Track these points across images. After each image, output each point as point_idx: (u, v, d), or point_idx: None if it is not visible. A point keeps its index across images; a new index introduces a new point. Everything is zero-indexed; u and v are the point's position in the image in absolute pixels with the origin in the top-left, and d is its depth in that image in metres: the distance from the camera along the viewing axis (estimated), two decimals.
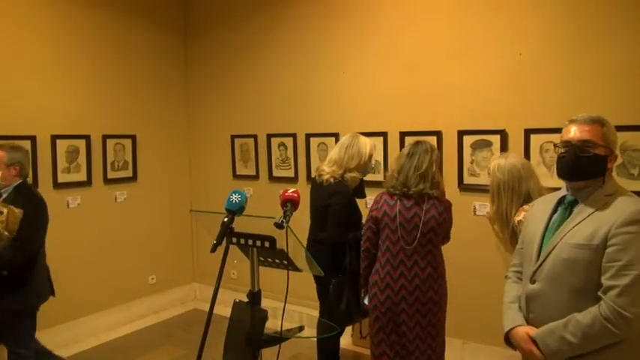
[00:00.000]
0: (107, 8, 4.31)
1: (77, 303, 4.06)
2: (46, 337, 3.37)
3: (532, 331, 1.69)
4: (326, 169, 2.98)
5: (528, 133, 3.23)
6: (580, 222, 1.63)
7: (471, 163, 3.48)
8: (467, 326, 3.43)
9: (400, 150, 3.70)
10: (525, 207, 2.29)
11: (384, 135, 3.80)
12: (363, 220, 2.94)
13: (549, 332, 1.63)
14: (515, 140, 3.29)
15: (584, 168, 1.66)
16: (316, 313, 3.63)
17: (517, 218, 2.31)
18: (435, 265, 2.56)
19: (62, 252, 3.96)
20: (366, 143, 2.98)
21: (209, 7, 4.85)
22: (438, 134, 3.57)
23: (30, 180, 3.38)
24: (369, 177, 3.28)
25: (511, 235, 2.37)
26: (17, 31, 3.74)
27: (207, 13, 4.87)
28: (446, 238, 2.70)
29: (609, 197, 1.62)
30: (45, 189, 3.87)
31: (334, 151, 3.04)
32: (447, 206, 2.62)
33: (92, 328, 4.17)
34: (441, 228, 2.56)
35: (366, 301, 2.71)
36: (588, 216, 1.62)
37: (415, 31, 3.66)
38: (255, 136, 4.61)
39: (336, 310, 2.89)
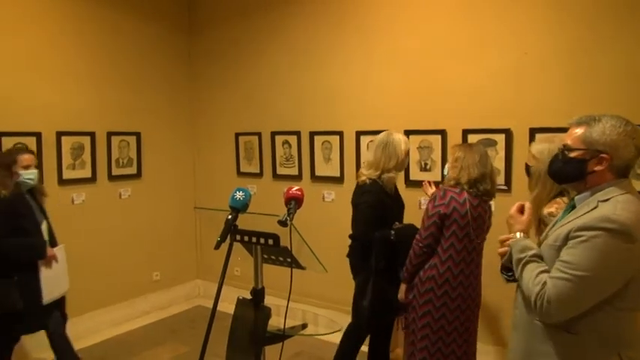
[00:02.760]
0: (113, 6, 4.32)
1: (81, 299, 4.07)
2: None
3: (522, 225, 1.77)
4: (364, 171, 2.98)
5: (533, 132, 3.22)
6: (563, 225, 1.62)
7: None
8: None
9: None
10: (558, 199, 2.24)
11: None
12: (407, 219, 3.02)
13: (517, 250, 1.69)
14: (520, 139, 3.28)
15: (561, 172, 1.68)
16: (319, 311, 3.65)
17: (547, 210, 2.24)
18: (482, 263, 2.70)
19: (66, 248, 4.00)
20: (401, 140, 2.95)
21: (214, 5, 4.85)
22: (442, 133, 3.56)
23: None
24: None
25: (537, 225, 2.30)
26: (24, 29, 3.75)
27: (211, 11, 4.88)
28: None
29: (604, 202, 1.55)
30: (50, 185, 3.89)
31: (370, 153, 3.02)
32: None
33: (96, 324, 4.19)
34: (489, 224, 2.70)
35: (411, 297, 2.68)
36: (572, 220, 1.60)
37: (419, 29, 3.65)
38: (259, 134, 4.61)
39: (360, 306, 2.89)
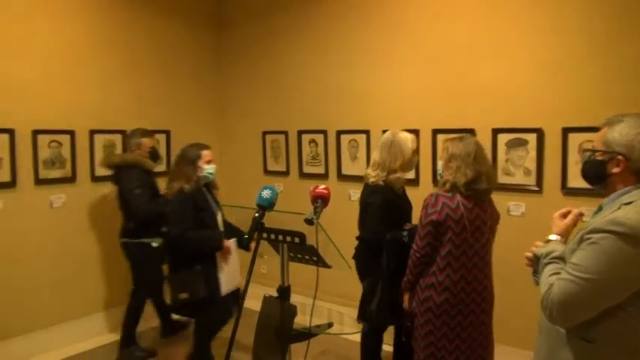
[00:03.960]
0: (142, 5, 4.40)
1: (114, 294, 4.21)
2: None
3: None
4: (371, 172, 2.92)
5: (566, 131, 3.13)
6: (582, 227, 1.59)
7: (506, 162, 3.40)
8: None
9: (432, 148, 3.69)
10: None
11: (416, 133, 3.74)
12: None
13: (542, 254, 1.65)
14: (553, 139, 3.20)
15: (584, 173, 1.67)
16: (345, 310, 3.63)
17: None
18: (490, 266, 2.57)
19: (97, 245, 4.13)
20: (407, 139, 2.89)
21: (242, 3, 4.89)
22: (471, 132, 3.50)
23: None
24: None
25: None
26: (57, 29, 3.85)
27: (240, 9, 4.92)
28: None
29: (626, 205, 1.49)
30: (84, 182, 4.01)
31: (376, 153, 2.96)
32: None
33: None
34: (495, 226, 2.59)
35: (414, 305, 2.61)
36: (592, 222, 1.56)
37: (448, 27, 3.60)
38: (286, 133, 4.63)
39: (367, 308, 2.86)
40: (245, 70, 4.93)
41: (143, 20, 4.41)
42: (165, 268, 3.39)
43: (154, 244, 3.61)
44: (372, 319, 2.84)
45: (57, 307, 3.88)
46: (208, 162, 3.18)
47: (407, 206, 3.04)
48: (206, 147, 3.25)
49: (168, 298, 3.25)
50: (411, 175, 3.51)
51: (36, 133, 3.71)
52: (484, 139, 3.45)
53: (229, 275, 3.17)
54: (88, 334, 4.03)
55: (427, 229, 2.46)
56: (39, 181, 3.75)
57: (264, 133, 4.79)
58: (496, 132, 3.41)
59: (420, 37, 3.74)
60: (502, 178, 3.41)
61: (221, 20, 5.06)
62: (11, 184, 3.60)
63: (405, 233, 2.74)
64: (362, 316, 2.92)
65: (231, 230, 3.38)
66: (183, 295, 2.98)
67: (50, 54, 3.81)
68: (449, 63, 3.61)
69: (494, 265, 2.66)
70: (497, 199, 3.32)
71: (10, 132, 3.56)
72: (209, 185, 3.27)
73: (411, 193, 3.15)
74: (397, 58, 3.87)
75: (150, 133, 3.85)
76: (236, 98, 5.03)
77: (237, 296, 3.22)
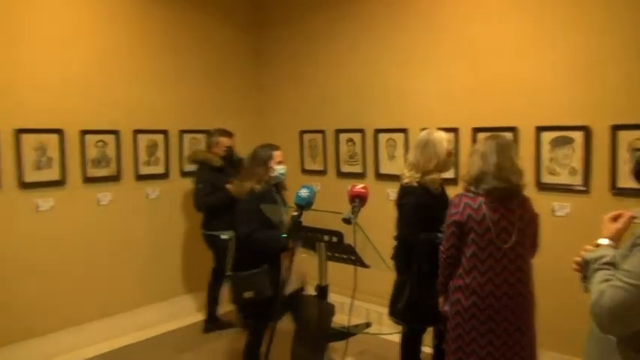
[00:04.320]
0: (182, 6, 4.49)
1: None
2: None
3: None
4: (406, 172, 2.90)
5: (615, 129, 3.01)
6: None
7: (550, 161, 3.29)
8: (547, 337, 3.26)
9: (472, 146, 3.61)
10: None
11: (455, 131, 3.68)
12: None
13: (591, 259, 1.57)
14: (601, 137, 3.08)
15: (637, 174, 1.60)
16: (383, 310, 3.59)
17: None
18: (525, 269, 2.43)
19: (141, 241, 4.28)
20: (442, 139, 2.84)
21: (281, 2, 4.93)
22: (513, 130, 3.41)
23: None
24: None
25: None
26: (106, 30, 3.99)
27: (278, 8, 4.96)
28: (535, 246, 2.53)
29: None
30: (127, 180, 4.14)
31: (411, 153, 2.93)
32: (531, 204, 2.48)
33: (181, 308, 4.47)
34: (529, 227, 2.44)
35: (446, 308, 2.56)
36: None
37: (488, 22, 3.51)
38: (323, 132, 4.64)
39: (395, 310, 2.84)
40: (283, 70, 4.96)
41: (186, 22, 4.51)
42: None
43: (223, 237, 3.82)
44: (399, 318, 2.83)
45: (112, 298, 4.08)
46: (279, 162, 3.19)
47: (444, 207, 2.98)
48: (277, 148, 3.27)
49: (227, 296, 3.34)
50: (449, 174, 3.45)
51: (84, 133, 3.86)
52: (527, 137, 3.36)
53: (293, 276, 3.14)
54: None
55: (450, 229, 2.44)
56: (87, 180, 3.91)
57: (302, 132, 4.82)
58: (540, 130, 3.31)
59: (459, 33, 3.67)
60: (546, 178, 3.30)
61: (261, 21, 5.11)
62: (61, 182, 3.76)
63: (440, 235, 2.67)
64: (392, 314, 2.92)
65: None
66: (249, 294, 3.00)
67: (98, 57, 3.95)
68: (490, 58, 3.52)
69: (537, 267, 2.58)
70: (540, 198, 3.24)
71: (60, 132, 3.72)
72: (278, 186, 3.28)
73: (450, 193, 3.08)
74: (437, 55, 3.81)
75: (227, 133, 4.15)
76: (274, 98, 5.08)
77: (297, 297, 3.20)
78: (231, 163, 4.09)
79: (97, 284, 4.00)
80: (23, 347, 3.58)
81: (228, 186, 3.75)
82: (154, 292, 4.35)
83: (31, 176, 3.60)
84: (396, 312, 2.84)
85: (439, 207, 2.86)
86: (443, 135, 2.87)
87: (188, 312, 4.53)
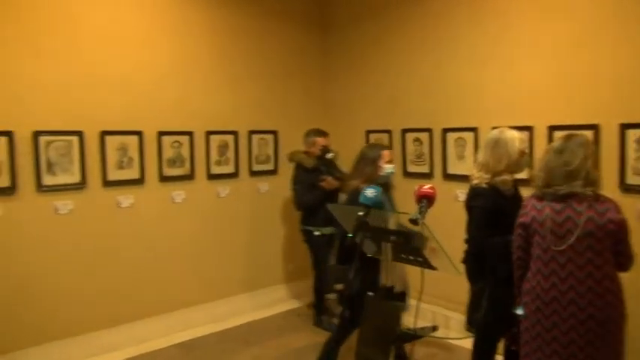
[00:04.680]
0: (248, 11, 4.60)
1: (225, 284, 4.53)
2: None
3: None
4: (475, 173, 2.79)
5: None
6: None
7: (636, 160, 3.06)
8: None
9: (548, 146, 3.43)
10: None
11: (529, 130, 3.52)
12: None
13: None
14: None
15: None
16: (451, 314, 3.52)
17: None
18: (599, 277, 2.21)
19: (212, 238, 4.45)
20: (514, 138, 2.70)
21: (346, 3, 4.94)
22: (594, 128, 3.20)
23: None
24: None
25: None
26: (177, 40, 4.20)
27: (344, 9, 4.97)
28: (622, 255, 2.26)
29: None
30: (199, 179, 4.32)
31: (480, 153, 2.82)
32: (613, 206, 2.22)
33: (236, 308, 4.58)
34: (603, 231, 2.19)
35: (519, 312, 2.44)
36: None
37: (568, 18, 3.32)
38: (389, 132, 4.59)
39: (473, 319, 2.74)
40: (348, 70, 4.97)
41: (254, 26, 4.63)
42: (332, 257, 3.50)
43: (316, 233, 4.10)
44: (479, 328, 2.72)
45: (193, 290, 4.33)
46: (388, 161, 3.19)
47: (518, 208, 2.85)
48: (386, 147, 3.29)
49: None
50: (523, 175, 3.30)
51: (161, 134, 4.08)
52: (610, 135, 3.14)
53: (393, 276, 3.09)
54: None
55: (517, 231, 2.40)
56: (163, 179, 4.13)
57: (368, 132, 4.80)
58: (624, 127, 3.09)
59: (535, 26, 3.50)
60: (631, 179, 3.08)
61: (326, 22, 5.15)
62: (140, 181, 3.99)
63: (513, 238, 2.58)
64: (470, 324, 2.81)
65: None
66: (339, 286, 3.06)
67: (173, 63, 4.16)
68: (569, 52, 3.33)
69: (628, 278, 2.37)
70: (625, 201, 3.01)
71: (139, 134, 3.96)
72: (386, 185, 3.21)
73: (524, 194, 2.94)
74: (508, 49, 3.66)
75: (323, 133, 4.32)
76: (340, 98, 5.10)
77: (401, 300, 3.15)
78: (326, 161, 4.22)
79: (173, 276, 4.22)
80: (111, 334, 3.88)
81: (322, 183, 4.03)
82: (220, 287, 4.52)
83: (113, 175, 3.85)
84: (475, 322, 2.73)
85: (512, 208, 2.73)
86: (515, 134, 2.73)
87: (255, 307, 4.68)
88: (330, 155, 4.21)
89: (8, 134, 3.36)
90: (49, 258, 3.59)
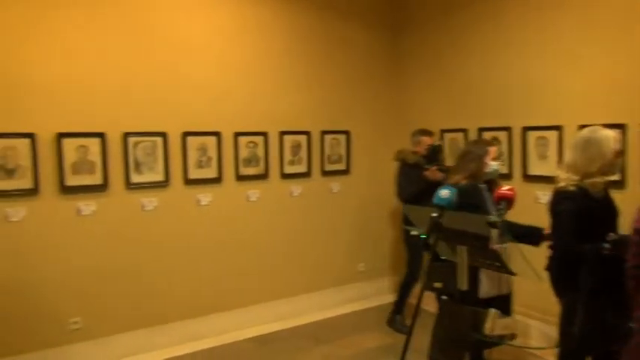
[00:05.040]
0: (320, 12, 4.64)
1: (296, 282, 4.61)
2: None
3: None
4: (561, 175, 2.59)
5: None
6: None
7: None
8: None
9: None
10: None
11: (621, 127, 3.25)
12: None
13: None
14: None
15: None
16: (531, 322, 3.34)
17: None
18: None
19: (285, 236, 4.55)
20: (609, 138, 2.50)
21: (417, 3, 4.85)
22: None
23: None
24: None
25: None
26: (255, 42, 4.32)
27: (415, 9, 4.87)
28: None
29: None
30: (273, 178, 4.43)
31: (568, 153, 2.63)
32: None
33: (306, 305, 4.66)
34: None
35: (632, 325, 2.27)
36: None
37: None
38: (465, 131, 4.45)
39: (566, 333, 2.52)
40: (421, 69, 4.87)
41: (326, 28, 4.67)
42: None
43: (413, 233, 4.02)
44: (574, 344, 2.49)
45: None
46: (495, 158, 3.12)
47: (609, 213, 2.60)
48: (492, 144, 3.22)
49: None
50: (614, 176, 3.07)
51: (237, 135, 4.23)
52: None
53: (492, 279, 2.92)
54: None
55: (637, 237, 2.09)
56: (239, 178, 4.27)
57: (442, 132, 4.68)
58: None
59: (626, 12, 3.23)
60: None
61: (397, 21, 5.08)
62: (218, 179, 4.16)
63: (606, 245, 2.35)
64: (562, 340, 2.60)
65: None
66: (438, 285, 3.03)
67: (248, 66, 4.29)
68: None
69: None
70: None
71: (217, 134, 4.13)
72: (491, 182, 3.14)
73: (616, 197, 2.72)
74: (596, 40, 3.41)
75: (428, 132, 4.35)
76: (413, 97, 5.01)
77: (505, 303, 2.97)
78: (430, 159, 4.21)
79: (247, 271, 4.35)
80: (197, 323, 4.10)
81: (426, 172, 4.03)
82: (290, 285, 4.61)
83: (194, 174, 4.05)
84: (568, 337, 2.52)
85: (603, 213, 2.53)
86: (610, 133, 2.52)
87: (324, 307, 4.72)
88: (437, 143, 4.25)
89: (101, 136, 3.64)
90: (136, 251, 3.84)
